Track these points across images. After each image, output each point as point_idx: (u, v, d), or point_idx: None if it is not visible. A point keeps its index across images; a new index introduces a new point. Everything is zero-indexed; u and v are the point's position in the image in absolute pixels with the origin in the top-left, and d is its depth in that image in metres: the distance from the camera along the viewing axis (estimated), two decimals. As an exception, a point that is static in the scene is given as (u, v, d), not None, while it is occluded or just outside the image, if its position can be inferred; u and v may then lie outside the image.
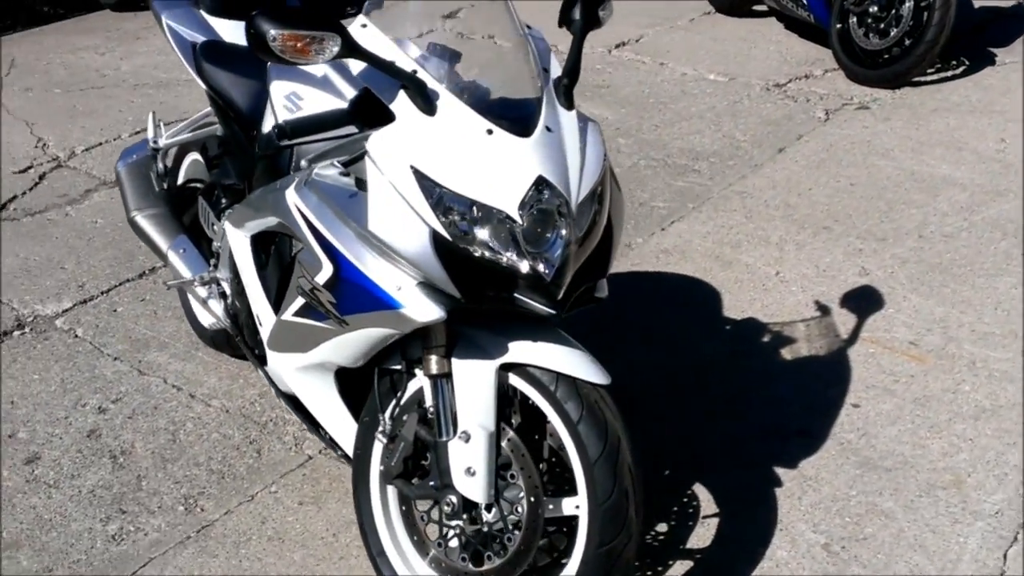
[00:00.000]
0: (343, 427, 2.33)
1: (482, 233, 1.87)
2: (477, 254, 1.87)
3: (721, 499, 2.64)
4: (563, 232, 1.91)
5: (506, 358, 2.03)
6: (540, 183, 1.88)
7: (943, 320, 3.31)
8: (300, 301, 2.16)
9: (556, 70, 2.07)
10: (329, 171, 2.06)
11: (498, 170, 1.87)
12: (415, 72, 1.93)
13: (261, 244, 2.46)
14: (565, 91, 2.04)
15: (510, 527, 2.10)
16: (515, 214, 1.85)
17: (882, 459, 2.74)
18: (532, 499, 2.07)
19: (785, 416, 2.91)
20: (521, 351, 2.02)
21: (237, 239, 2.48)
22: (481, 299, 1.92)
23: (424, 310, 1.92)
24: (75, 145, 4.99)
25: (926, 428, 2.84)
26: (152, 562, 2.53)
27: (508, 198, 1.86)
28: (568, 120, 2.02)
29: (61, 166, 4.80)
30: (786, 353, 3.20)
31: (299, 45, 1.78)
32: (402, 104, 1.92)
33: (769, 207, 4.09)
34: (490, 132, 1.90)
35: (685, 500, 2.65)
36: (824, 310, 3.38)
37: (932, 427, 2.85)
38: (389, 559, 2.25)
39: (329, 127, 1.97)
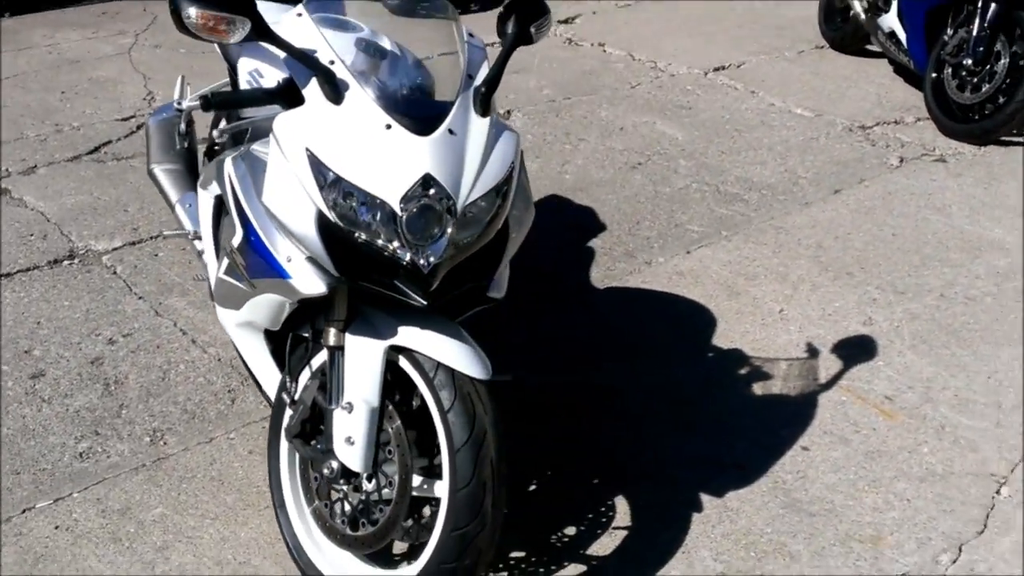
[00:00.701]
0: (272, 383, 2.51)
1: (365, 220, 2.00)
2: (359, 239, 2.00)
3: (637, 514, 2.71)
4: (448, 230, 2.02)
5: (394, 340, 2.16)
6: (427, 180, 1.99)
7: (928, 380, 3.26)
8: (226, 261, 2.35)
9: (481, 78, 2.18)
10: (264, 147, 2.24)
11: (389, 163, 2.00)
12: (332, 63, 2.08)
13: (222, 205, 2.66)
14: (482, 98, 2.15)
15: (383, 500, 2.24)
16: (396, 206, 1.97)
17: (810, 503, 2.75)
18: (403, 476, 2.20)
19: (729, 447, 2.95)
20: (409, 335, 2.15)
21: (203, 198, 2.69)
22: (359, 280, 2.06)
23: (308, 283, 2.08)
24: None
25: (867, 482, 2.84)
26: (104, 482, 2.76)
27: (392, 190, 1.98)
28: (478, 126, 2.13)
29: (155, 118, 5.15)
30: (757, 388, 3.22)
31: (211, 24, 1.96)
32: (313, 90, 2.07)
33: (800, 245, 4.08)
34: (389, 127, 2.03)
35: (602, 509, 2.72)
36: (812, 352, 3.37)
37: (873, 481, 2.84)
38: (287, 511, 2.42)
39: (249, 103, 2.16)
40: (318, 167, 2.01)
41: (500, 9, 2.28)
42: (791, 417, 3.07)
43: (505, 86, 5.00)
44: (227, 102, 2.19)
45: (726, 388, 3.23)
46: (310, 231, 2.03)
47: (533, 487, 2.81)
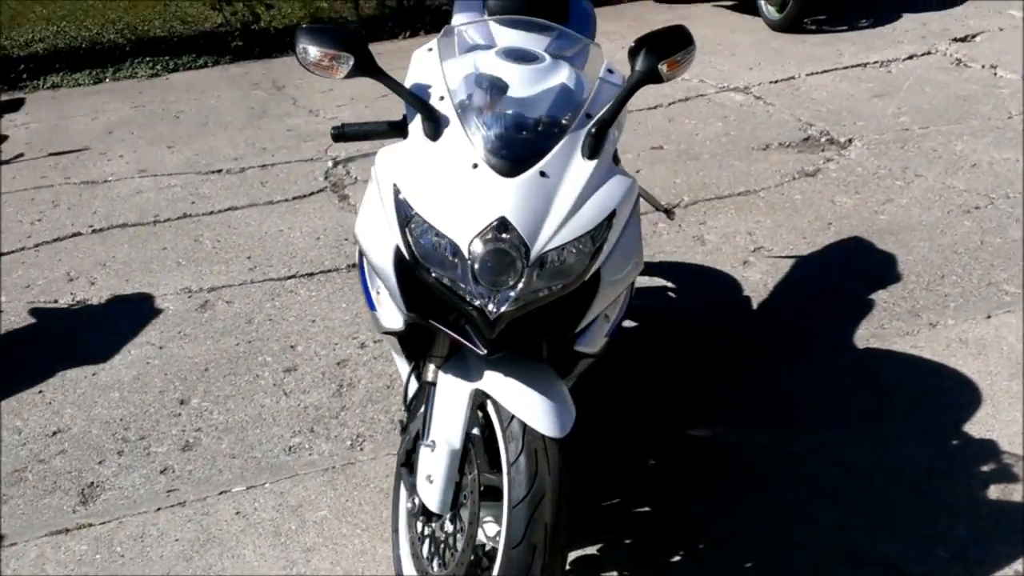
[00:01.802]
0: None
1: (437, 259, 1.99)
2: (429, 278, 2.00)
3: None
4: (521, 277, 1.96)
5: (480, 384, 2.13)
6: (502, 224, 1.95)
7: None
8: None
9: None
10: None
11: (467, 204, 1.98)
12: (441, 99, 2.10)
13: None
14: (591, 140, 2.06)
15: (453, 543, 2.22)
16: (464, 247, 1.95)
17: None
18: (471, 523, 2.17)
19: (921, 555, 2.54)
20: (492, 380, 2.11)
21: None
22: (428, 320, 2.06)
23: (388, 318, 2.12)
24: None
25: None
26: (294, 478, 3.00)
27: (464, 231, 1.96)
28: (579, 169, 2.04)
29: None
30: (988, 490, 2.74)
31: (323, 62, 2.07)
32: (415, 125, 2.10)
33: None
34: (475, 166, 2.01)
35: (745, 596, 2.48)
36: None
37: None
38: (398, 537, 2.47)
39: (375, 136, 2.22)
40: (400, 203, 2.03)
41: (632, 43, 2.15)
42: (1014, 536, 2.58)
43: (859, 110, 4.79)
44: (356, 134, 2.27)
45: (946, 481, 2.77)
46: (387, 265, 2.06)
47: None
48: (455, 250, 1.96)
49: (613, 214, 2.04)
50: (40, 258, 4.46)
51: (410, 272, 2.03)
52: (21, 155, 5.74)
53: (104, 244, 4.55)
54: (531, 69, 2.24)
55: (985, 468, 2.80)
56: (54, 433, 3.26)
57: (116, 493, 2.97)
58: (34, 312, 4.01)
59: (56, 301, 4.07)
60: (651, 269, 3.95)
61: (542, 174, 2.01)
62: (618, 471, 2.88)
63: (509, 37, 3.08)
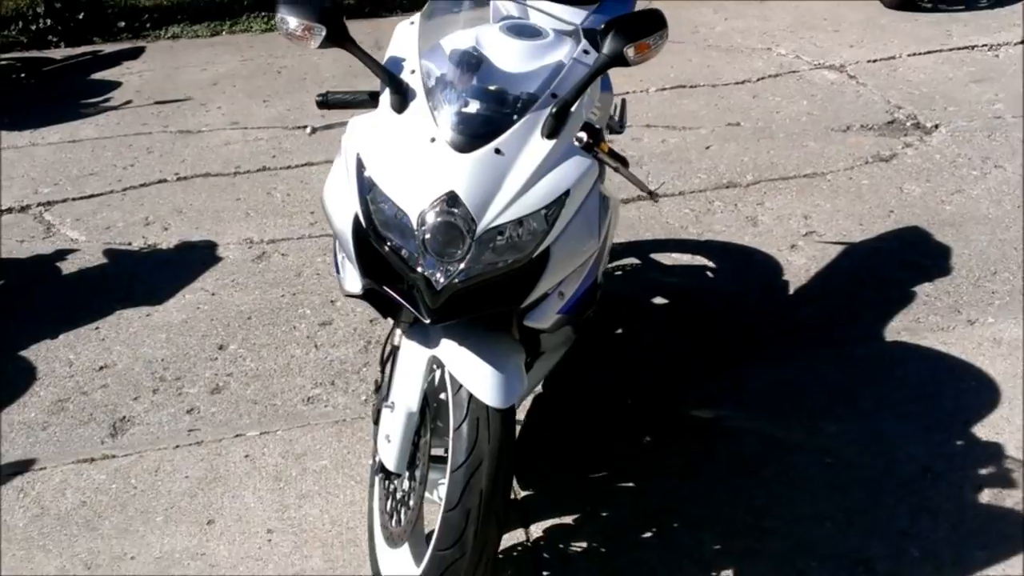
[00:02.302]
0: None
1: (391, 229, 2.06)
2: (383, 246, 2.08)
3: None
4: (467, 251, 2.02)
5: (435, 350, 2.21)
6: (452, 198, 2.01)
7: None
8: None
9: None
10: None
11: (421, 176, 2.04)
12: (413, 72, 2.17)
13: None
14: (552, 120, 2.09)
15: (408, 501, 2.31)
16: (414, 219, 2.02)
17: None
18: (420, 484, 2.26)
19: (895, 553, 2.51)
20: (446, 348, 2.18)
21: None
22: (382, 286, 2.14)
23: (350, 282, 2.20)
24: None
25: None
26: (305, 427, 3.13)
27: (415, 203, 2.02)
28: (536, 147, 2.08)
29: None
30: (981, 495, 2.67)
31: (297, 31, 2.16)
32: (385, 97, 2.18)
33: None
34: (433, 140, 2.07)
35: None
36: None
37: None
38: (371, 490, 2.58)
39: (356, 104, 2.30)
40: (362, 172, 2.11)
41: (602, 26, 2.17)
42: (995, 541, 2.51)
43: (953, 94, 4.67)
44: (339, 102, 2.35)
45: (938, 482, 2.71)
46: (347, 232, 2.15)
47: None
48: (407, 221, 2.03)
49: (567, 193, 2.07)
50: (124, 202, 4.72)
51: (367, 239, 2.11)
52: (129, 102, 6.05)
53: (185, 192, 4.79)
54: (530, 45, 2.28)
55: (983, 471, 2.73)
56: (100, 368, 3.48)
57: (143, 428, 3.16)
58: (107, 253, 4.26)
59: (130, 244, 4.32)
60: (693, 247, 3.94)
61: (497, 151, 2.05)
62: (610, 444, 2.91)
63: (542, 7, 3.12)
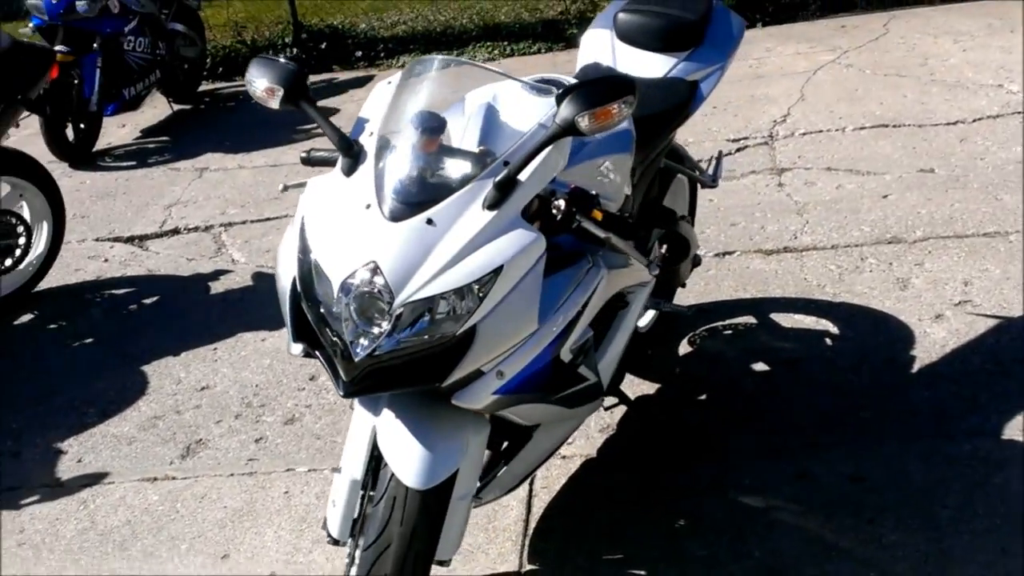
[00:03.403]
0: None
1: (317, 296, 2.00)
2: (310, 311, 2.02)
3: None
4: (384, 324, 1.92)
5: (376, 420, 2.12)
6: (374, 269, 1.92)
7: None
8: None
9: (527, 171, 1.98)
10: None
11: (350, 244, 1.96)
12: (371, 134, 2.10)
13: None
14: (495, 190, 1.96)
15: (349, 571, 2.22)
16: (335, 287, 1.94)
17: None
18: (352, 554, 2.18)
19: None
20: (384, 419, 2.10)
21: None
22: (314, 351, 2.07)
23: (291, 343, 2.14)
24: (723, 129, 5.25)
25: None
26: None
27: (339, 271, 1.94)
28: (473, 219, 1.95)
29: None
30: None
31: (259, 92, 2.16)
32: (341, 160, 2.12)
33: None
34: (368, 207, 1.99)
35: None
36: None
37: None
38: None
39: (331, 164, 2.26)
40: (303, 235, 2.06)
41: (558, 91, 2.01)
42: None
43: None
44: (320, 161, 2.31)
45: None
46: (286, 293, 2.10)
47: None
48: (331, 289, 1.95)
49: (499, 269, 1.92)
50: (282, 228, 4.93)
51: (297, 302, 2.06)
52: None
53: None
54: (540, 102, 2.16)
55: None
56: (202, 388, 3.64)
57: (211, 453, 3.27)
58: (255, 276, 4.47)
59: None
60: (820, 310, 3.57)
61: (429, 221, 1.94)
62: (640, 521, 2.69)
63: (629, 55, 2.95)
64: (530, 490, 2.88)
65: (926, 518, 2.59)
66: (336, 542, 2.17)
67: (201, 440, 3.34)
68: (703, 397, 3.22)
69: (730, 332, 3.54)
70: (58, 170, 6.06)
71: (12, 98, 4.02)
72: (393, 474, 2.01)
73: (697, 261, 3.32)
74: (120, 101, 6.43)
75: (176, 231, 5.03)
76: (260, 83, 2.16)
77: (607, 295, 2.27)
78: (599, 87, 1.95)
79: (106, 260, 4.82)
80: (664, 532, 2.67)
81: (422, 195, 1.98)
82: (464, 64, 2.30)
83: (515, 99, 2.26)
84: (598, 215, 2.13)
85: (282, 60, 2.21)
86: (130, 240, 5.00)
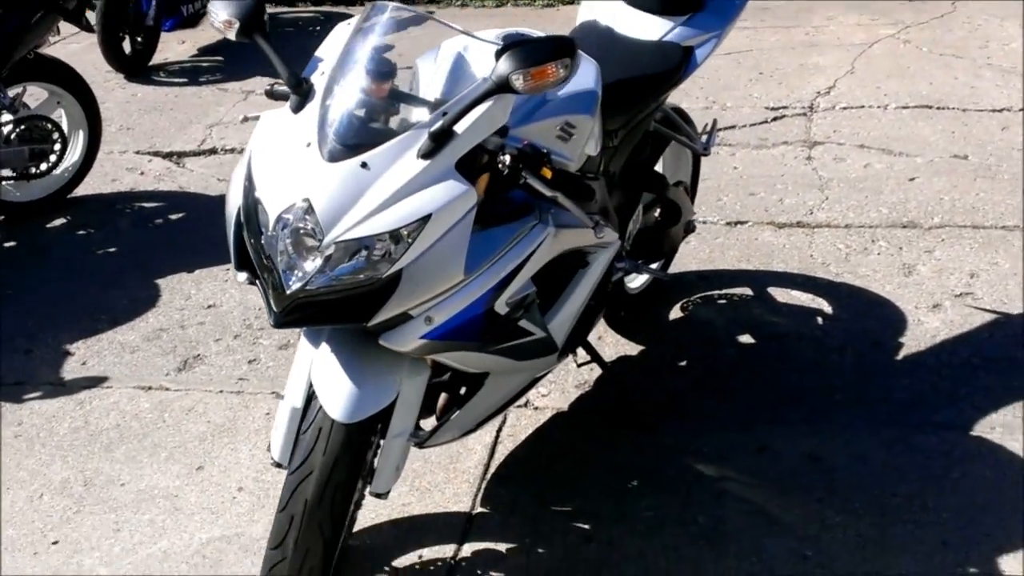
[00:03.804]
0: None
1: (257, 228, 2.08)
2: (249, 242, 2.11)
3: None
4: (315, 261, 1.99)
5: (314, 353, 2.21)
6: (308, 206, 1.99)
7: None
8: None
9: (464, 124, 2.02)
10: None
11: (287, 181, 2.04)
12: (323, 73, 2.16)
13: None
14: (430, 140, 2.01)
15: None
16: (271, 222, 2.02)
17: None
18: None
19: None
20: (320, 351, 2.18)
21: None
22: (254, 280, 2.15)
23: (235, 271, 2.22)
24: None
25: None
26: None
27: (276, 206, 2.02)
28: (407, 166, 2.00)
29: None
30: None
31: (218, 24, 2.22)
32: (290, 96, 2.18)
33: None
34: (308, 145, 2.06)
35: None
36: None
37: None
38: None
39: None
40: (249, 167, 2.14)
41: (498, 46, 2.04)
42: None
43: None
44: (283, 95, 2.32)
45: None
46: (231, 221, 2.18)
47: None
48: (268, 222, 2.03)
49: (427, 218, 1.97)
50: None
51: (240, 233, 2.13)
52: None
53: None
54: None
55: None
56: (208, 307, 3.77)
57: (205, 369, 3.40)
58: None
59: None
60: (819, 288, 3.57)
61: (363, 165, 1.99)
62: (594, 477, 2.77)
63: (627, 16, 2.96)
64: (496, 437, 2.95)
65: (874, 504, 2.62)
66: (279, 465, 2.27)
67: (199, 355, 3.46)
68: (683, 363, 3.25)
69: (724, 301, 3.56)
70: (113, 81, 6.22)
71: (50, 6, 4.13)
72: (321, 406, 2.09)
73: (691, 228, 3.34)
74: (178, 17, 6.54)
75: (213, 151, 5.14)
76: (220, 15, 2.20)
77: (553, 252, 2.31)
78: (537, 46, 1.97)
79: (142, 173, 4.95)
80: (616, 489, 2.72)
81: (360, 138, 2.04)
82: (418, 17, 2.29)
83: (488, 51, 2.29)
84: (547, 173, 2.16)
85: None
86: (168, 156, 5.12)
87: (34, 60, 4.29)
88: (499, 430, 2.97)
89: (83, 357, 3.50)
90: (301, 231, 1.97)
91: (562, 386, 3.14)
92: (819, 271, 3.70)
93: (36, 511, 2.79)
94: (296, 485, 2.09)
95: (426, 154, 2.00)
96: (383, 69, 2.14)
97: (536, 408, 3.06)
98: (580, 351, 2.89)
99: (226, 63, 6.54)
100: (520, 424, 3.00)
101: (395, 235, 1.97)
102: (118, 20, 6.02)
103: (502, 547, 2.57)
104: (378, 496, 2.30)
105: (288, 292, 1.98)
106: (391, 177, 1.99)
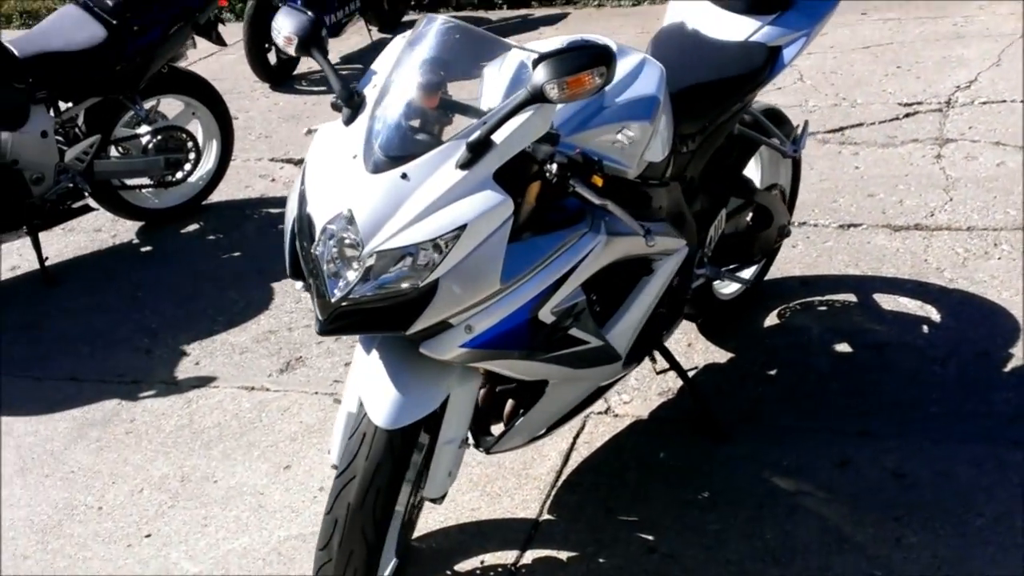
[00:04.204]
0: None
1: (306, 236, 2.15)
2: (301, 251, 2.18)
3: None
4: (352, 267, 2.05)
5: (365, 359, 2.27)
6: (350, 217, 2.05)
7: None
8: None
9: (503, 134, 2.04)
10: None
11: (334, 191, 2.10)
12: (375, 86, 2.21)
13: None
14: (468, 150, 2.03)
15: None
16: (318, 231, 2.09)
17: None
18: None
19: None
20: (370, 358, 2.24)
21: None
22: (307, 289, 2.22)
23: (291, 277, 2.29)
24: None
25: None
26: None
27: (322, 216, 2.09)
28: (446, 176, 2.02)
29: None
30: None
31: (282, 40, 2.31)
32: (344, 109, 2.24)
33: None
34: (354, 157, 2.12)
35: None
36: None
37: None
38: None
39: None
40: (303, 179, 2.22)
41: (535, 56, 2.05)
42: None
43: None
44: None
45: None
46: (288, 231, 2.27)
47: None
48: (316, 232, 2.09)
49: (463, 227, 2.00)
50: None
51: (293, 242, 2.21)
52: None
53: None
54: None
55: None
56: (317, 310, 3.89)
57: (307, 371, 3.52)
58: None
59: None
60: (930, 295, 3.41)
61: (404, 176, 2.03)
62: (667, 487, 2.74)
63: (713, 16, 2.92)
64: (572, 444, 2.94)
65: (957, 524, 2.49)
66: (335, 467, 2.33)
67: (300, 357, 3.59)
68: (773, 371, 3.16)
69: (824, 308, 3.44)
70: (259, 90, 6.52)
71: (183, 22, 4.36)
72: (366, 413, 2.14)
73: (784, 233, 3.24)
74: (321, 28, 6.77)
75: (341, 157, 5.29)
76: (282, 31, 2.29)
77: (606, 260, 2.29)
78: (573, 56, 1.95)
79: (273, 179, 5.17)
80: (685, 500, 2.68)
81: (402, 149, 2.08)
82: (467, 30, 2.29)
83: None
84: (598, 181, 2.15)
85: (304, 12, 2.32)
86: (299, 163, 5.32)
87: (169, 73, 4.54)
88: (576, 436, 2.96)
89: (197, 357, 3.68)
90: (344, 241, 2.03)
91: (645, 393, 3.11)
92: (932, 277, 3.52)
93: (135, 505, 2.96)
94: (340, 489, 2.15)
95: (464, 164, 2.02)
96: (432, 80, 2.16)
97: (616, 415, 3.03)
98: (660, 358, 2.86)
99: (364, 71, 6.73)
100: (598, 431, 2.98)
101: (433, 245, 1.99)
102: (263, 32, 6.29)
103: (564, 555, 2.57)
104: (432, 501, 2.33)
105: (332, 300, 2.04)
106: (429, 187, 2.02)
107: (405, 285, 2.01)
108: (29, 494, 3.04)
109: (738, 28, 2.95)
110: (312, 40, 2.27)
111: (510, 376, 2.31)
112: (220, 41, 4.84)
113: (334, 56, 7.06)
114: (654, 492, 2.73)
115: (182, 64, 4.69)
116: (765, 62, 2.88)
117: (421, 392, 2.15)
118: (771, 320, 3.41)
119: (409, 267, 2.00)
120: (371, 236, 1.99)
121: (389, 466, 2.14)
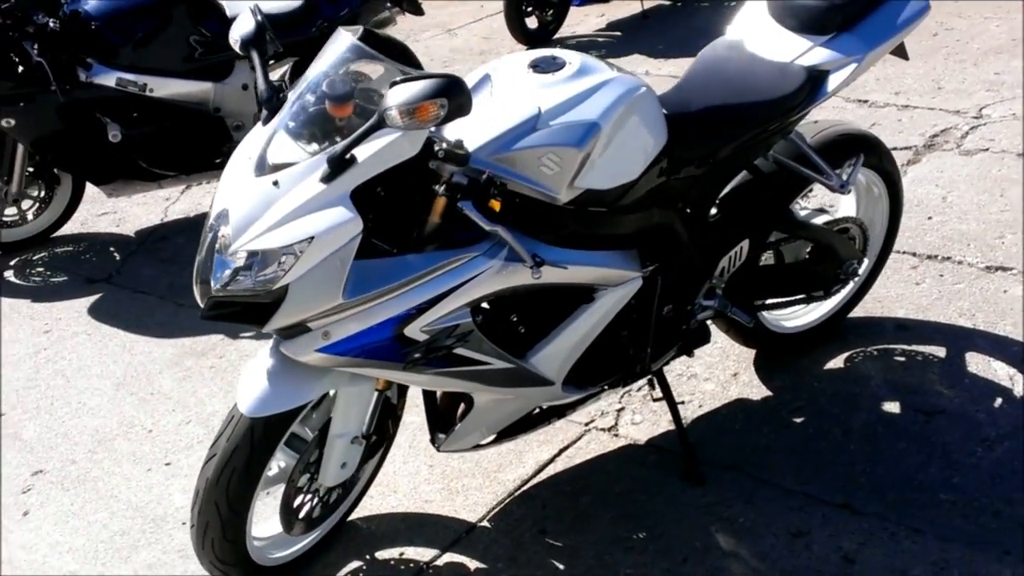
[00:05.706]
0: None
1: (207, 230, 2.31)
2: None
3: None
4: (228, 262, 2.19)
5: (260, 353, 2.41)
6: (225, 215, 2.19)
7: None
8: None
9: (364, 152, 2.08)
10: None
11: (226, 188, 2.24)
12: (296, 87, 2.31)
13: None
14: (329, 166, 2.09)
15: None
16: (207, 225, 2.25)
17: None
18: None
19: None
20: (263, 350, 2.38)
21: None
22: None
23: None
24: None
25: None
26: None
27: (212, 210, 2.24)
28: (309, 188, 2.08)
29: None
30: None
31: (231, 39, 2.47)
32: (263, 110, 2.35)
33: None
34: (249, 158, 2.24)
35: None
36: None
37: None
38: None
39: None
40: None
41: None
42: None
43: None
44: None
45: None
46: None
47: None
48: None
49: (311, 239, 2.06)
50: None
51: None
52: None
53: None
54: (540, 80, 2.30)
55: None
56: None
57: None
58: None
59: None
60: (956, 339, 2.99)
61: (275, 183, 2.12)
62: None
63: (766, 32, 2.74)
64: (556, 455, 2.90)
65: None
66: None
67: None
68: (800, 419, 2.91)
69: (902, 359, 3.08)
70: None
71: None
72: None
73: (850, 272, 2.94)
74: (588, -6, 6.83)
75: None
76: (233, 32, 2.43)
77: (499, 286, 2.24)
78: (419, 85, 1.93)
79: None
80: (617, 537, 2.58)
81: (284, 156, 2.14)
82: (364, 52, 2.25)
83: (512, 74, 2.35)
84: (495, 205, 2.12)
85: (255, 16, 2.42)
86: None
87: (366, 36, 4.81)
88: (564, 448, 2.91)
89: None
90: (220, 236, 2.16)
91: (657, 418, 2.98)
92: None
93: (177, 434, 3.29)
94: (204, 463, 2.31)
95: (325, 178, 2.07)
96: (340, 91, 2.18)
97: (616, 435, 2.94)
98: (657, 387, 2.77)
99: (621, 39, 6.72)
100: (588, 448, 2.92)
101: (284, 251, 2.07)
102: (523, -3, 6.47)
103: (474, 565, 2.57)
104: (330, 490, 2.45)
105: (211, 289, 2.19)
106: (293, 197, 2.09)
107: (260, 285, 2.10)
108: (112, 407, 3.45)
109: (788, 48, 2.72)
110: (254, 42, 2.38)
111: (408, 383, 2.35)
112: (416, 10, 5.01)
113: (600, 22, 7.07)
114: (595, 523, 2.64)
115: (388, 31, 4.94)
116: (801, 87, 2.62)
117: (291, 388, 2.25)
118: (836, 363, 3.11)
119: (265, 268, 2.09)
120: (237, 236, 2.10)
121: (247, 451, 2.26)
